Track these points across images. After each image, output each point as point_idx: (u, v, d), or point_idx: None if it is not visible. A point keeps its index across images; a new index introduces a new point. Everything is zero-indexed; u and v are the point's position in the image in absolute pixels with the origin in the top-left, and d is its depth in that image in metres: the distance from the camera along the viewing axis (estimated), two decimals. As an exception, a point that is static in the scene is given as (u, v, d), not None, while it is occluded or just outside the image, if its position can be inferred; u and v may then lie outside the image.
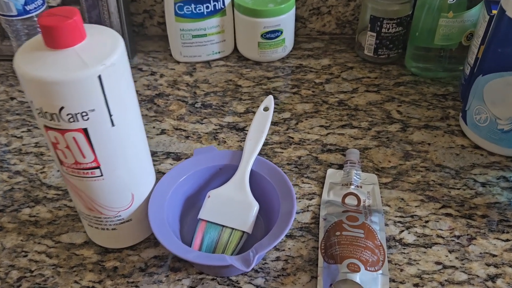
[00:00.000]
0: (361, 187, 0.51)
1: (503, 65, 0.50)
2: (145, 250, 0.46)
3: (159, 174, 0.53)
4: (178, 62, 0.72)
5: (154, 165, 0.55)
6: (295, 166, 0.55)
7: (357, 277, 0.40)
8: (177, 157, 0.56)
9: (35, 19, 0.63)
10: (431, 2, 0.61)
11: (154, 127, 0.61)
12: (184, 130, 0.60)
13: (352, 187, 0.50)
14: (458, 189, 0.52)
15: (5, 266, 0.45)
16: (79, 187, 0.40)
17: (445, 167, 0.54)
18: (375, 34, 0.67)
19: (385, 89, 0.66)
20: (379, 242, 0.44)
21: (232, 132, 0.59)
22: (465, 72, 0.62)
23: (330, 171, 0.53)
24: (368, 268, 0.41)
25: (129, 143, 0.39)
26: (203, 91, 0.66)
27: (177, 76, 0.69)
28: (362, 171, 0.53)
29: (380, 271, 0.42)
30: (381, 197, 0.51)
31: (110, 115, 0.36)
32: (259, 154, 0.49)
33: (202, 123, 0.61)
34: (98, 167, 0.38)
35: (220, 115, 0.62)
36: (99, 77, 0.33)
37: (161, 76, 0.70)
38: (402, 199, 0.51)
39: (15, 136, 0.60)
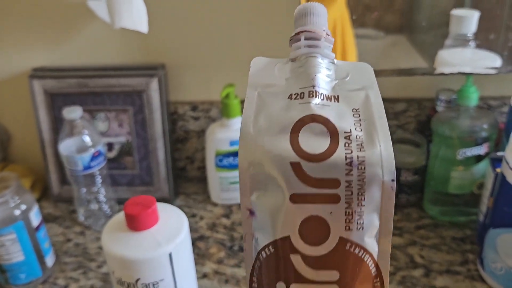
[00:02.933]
0: None
1: (511, 222, 0.56)
2: None
3: (203, 319, 0.58)
4: (216, 205, 0.80)
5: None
6: None
7: None
8: (219, 302, 0.61)
9: (97, 171, 0.73)
10: (442, 155, 0.70)
11: (197, 270, 0.67)
12: (224, 274, 0.66)
13: None
14: (483, 337, 0.55)
15: None
16: None
17: (469, 314, 0.58)
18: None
19: (407, 232, 0.72)
20: None
21: (268, 276, 0.65)
22: (479, 219, 0.68)
23: None
24: None
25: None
26: (240, 233, 0.73)
27: (216, 218, 0.77)
28: (391, 318, 0.57)
29: None
30: None
31: (175, 284, 0.43)
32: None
33: (239, 267, 0.67)
34: (160, 326, 0.44)
35: (256, 258, 0.68)
36: (170, 254, 0.41)
37: (201, 218, 0.77)
38: None
39: (72, 278, 0.66)
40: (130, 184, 0.80)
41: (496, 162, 0.63)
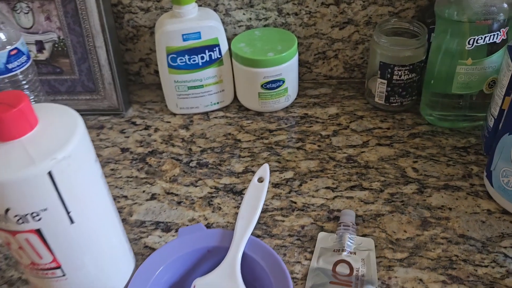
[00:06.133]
0: (355, 253, 0.45)
1: (533, 124, 0.43)
2: None
3: (146, 249, 0.48)
4: (175, 115, 0.67)
5: (140, 237, 0.50)
6: (298, 238, 0.48)
7: None
8: (167, 228, 0.51)
9: (20, 76, 0.59)
10: (447, 47, 0.55)
11: (144, 191, 0.55)
12: (177, 195, 0.55)
13: (345, 253, 0.44)
14: (486, 266, 0.45)
15: None
16: (42, 287, 0.35)
17: (470, 238, 0.47)
18: (385, 82, 0.61)
19: (399, 141, 0.60)
20: None
21: (228, 196, 0.54)
22: (488, 124, 0.55)
23: (321, 234, 0.48)
24: None
25: (95, 238, 0.34)
26: (200, 147, 0.61)
27: (173, 130, 0.65)
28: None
29: None
30: (379, 265, 0.44)
31: (68, 212, 0.31)
32: (257, 223, 0.43)
33: (196, 186, 0.56)
34: (58, 267, 0.33)
35: (216, 175, 0.57)
36: (49, 173, 0.28)
37: (156, 130, 0.65)
38: (421, 280, 0.44)
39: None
40: (71, 92, 0.67)
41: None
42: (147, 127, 0.66)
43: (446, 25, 0.55)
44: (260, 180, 0.45)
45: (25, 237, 0.31)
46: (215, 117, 0.66)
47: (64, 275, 0.33)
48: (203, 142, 0.62)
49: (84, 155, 0.31)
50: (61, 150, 0.29)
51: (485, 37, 0.53)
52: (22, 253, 0.32)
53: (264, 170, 0.45)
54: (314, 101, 0.68)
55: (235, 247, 0.41)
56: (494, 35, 0.53)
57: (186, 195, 0.55)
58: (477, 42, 0.53)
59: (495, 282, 0.43)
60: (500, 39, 0.53)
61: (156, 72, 0.73)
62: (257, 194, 0.44)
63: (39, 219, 0.30)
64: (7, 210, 0.29)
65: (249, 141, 0.62)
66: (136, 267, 0.41)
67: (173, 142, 0.63)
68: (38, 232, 0.30)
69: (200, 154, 0.60)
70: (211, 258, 0.42)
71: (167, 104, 0.67)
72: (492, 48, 0.54)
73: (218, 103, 0.67)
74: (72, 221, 0.31)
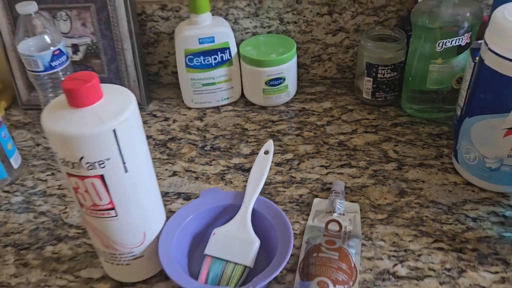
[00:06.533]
0: (343, 214, 0.54)
1: (486, 109, 0.54)
2: (157, 284, 0.50)
3: (170, 213, 0.58)
4: (190, 108, 0.78)
5: (165, 204, 0.59)
6: (297, 204, 0.59)
7: None
8: (187, 197, 0.61)
9: (60, 73, 0.69)
10: (421, 49, 0.66)
11: (166, 169, 0.66)
12: (194, 172, 0.65)
13: (335, 214, 0.54)
14: (450, 224, 0.55)
15: (29, 300, 0.50)
16: (97, 226, 0.45)
17: (438, 203, 0.57)
18: (371, 79, 0.72)
19: (383, 129, 0.70)
20: (353, 265, 0.48)
21: (238, 173, 0.64)
22: (456, 113, 0.65)
23: (316, 200, 0.58)
24: (337, 286, 0.45)
25: (141, 187, 0.44)
26: (213, 134, 0.72)
27: (189, 121, 0.75)
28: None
29: None
30: (366, 224, 0.54)
31: (124, 163, 0.41)
32: (263, 193, 0.53)
33: (210, 165, 0.66)
34: (113, 208, 0.43)
35: (227, 157, 0.67)
36: (114, 131, 0.39)
37: (174, 121, 0.75)
38: (397, 234, 0.54)
39: (40, 180, 0.66)
40: (100, 89, 0.77)
41: (477, 52, 0.60)
42: (166, 119, 0.76)
43: (421, 32, 0.66)
44: (266, 152, 0.55)
45: (91, 181, 0.41)
46: (225, 111, 0.77)
47: (116, 216, 0.43)
48: (216, 131, 0.72)
49: (136, 122, 0.41)
50: (122, 114, 0.39)
51: (452, 40, 0.64)
52: (87, 196, 0.42)
53: (269, 144, 0.55)
54: (311, 97, 0.79)
55: (246, 203, 0.51)
56: (459, 39, 0.64)
57: (202, 172, 0.65)
58: (445, 45, 0.64)
59: (457, 235, 0.53)
60: (465, 43, 0.64)
61: (173, 73, 0.83)
62: (263, 164, 0.54)
63: (103, 167, 0.40)
64: (81, 158, 0.39)
65: (255, 129, 0.72)
66: (167, 220, 0.50)
67: (189, 131, 0.73)
68: (102, 177, 0.40)
69: (213, 140, 0.70)
70: (227, 214, 0.52)
71: (184, 99, 0.77)
72: (459, 50, 0.65)
73: (227, 98, 0.77)
74: (126, 170, 0.41)
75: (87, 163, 0.39)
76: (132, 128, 0.41)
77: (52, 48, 0.67)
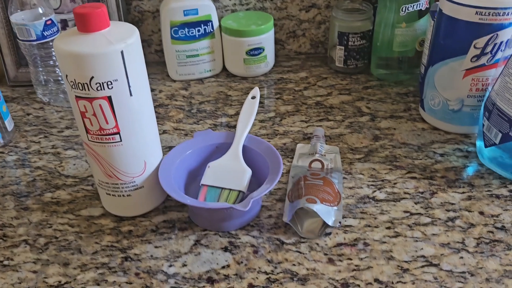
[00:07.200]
0: (325, 155, 0.59)
1: (446, 54, 0.60)
2: (156, 217, 0.53)
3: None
4: (175, 81, 0.82)
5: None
6: (281, 150, 0.63)
7: (313, 207, 0.49)
8: (178, 150, 0.64)
9: (51, 44, 0.73)
10: (387, 18, 0.73)
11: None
12: (183, 130, 0.69)
13: (317, 155, 0.59)
14: (421, 159, 0.61)
15: (32, 235, 0.52)
16: (101, 154, 0.48)
17: (409, 144, 0.63)
18: (343, 47, 0.78)
19: (355, 91, 0.76)
20: (336, 190, 0.53)
21: (225, 129, 0.68)
22: (421, 72, 0.72)
23: (299, 145, 0.63)
24: (324, 203, 0.50)
25: (143, 113, 0.48)
26: (198, 101, 0.76)
27: (174, 91, 0.79)
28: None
29: (335, 207, 0.50)
30: (346, 163, 0.59)
31: (129, 86, 0.45)
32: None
33: (198, 124, 0.70)
34: (118, 133, 0.47)
35: (214, 117, 0.71)
36: (122, 52, 0.43)
37: (160, 91, 0.79)
38: (374, 168, 0.59)
39: (34, 142, 0.68)
40: (87, 64, 0.81)
41: (435, 13, 0.67)
42: (152, 90, 0.80)
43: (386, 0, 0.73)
44: (253, 97, 0.60)
45: (99, 103, 0.44)
46: (208, 82, 0.81)
47: (120, 141, 0.47)
48: (201, 98, 0.77)
49: (139, 50, 0.46)
50: (129, 38, 0.43)
51: (414, 5, 0.71)
52: (94, 120, 0.45)
53: (256, 91, 0.60)
54: (287, 69, 0.84)
55: (238, 138, 0.55)
56: (419, 3, 0.71)
57: (191, 130, 0.69)
58: (408, 10, 0.71)
59: (427, 167, 0.59)
60: (425, 7, 0.72)
61: (156, 51, 0.88)
62: (251, 107, 0.58)
63: (111, 88, 0.44)
64: (91, 78, 0.43)
65: (237, 95, 0.77)
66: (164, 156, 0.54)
67: (175, 98, 0.77)
68: (109, 99, 0.44)
69: (199, 105, 0.75)
70: (219, 152, 0.56)
71: (168, 71, 0.82)
72: (419, 14, 0.72)
73: (210, 70, 0.82)
74: (131, 94, 0.45)
75: (97, 83, 0.43)
76: (137, 54, 0.45)
77: (44, 18, 0.70)
